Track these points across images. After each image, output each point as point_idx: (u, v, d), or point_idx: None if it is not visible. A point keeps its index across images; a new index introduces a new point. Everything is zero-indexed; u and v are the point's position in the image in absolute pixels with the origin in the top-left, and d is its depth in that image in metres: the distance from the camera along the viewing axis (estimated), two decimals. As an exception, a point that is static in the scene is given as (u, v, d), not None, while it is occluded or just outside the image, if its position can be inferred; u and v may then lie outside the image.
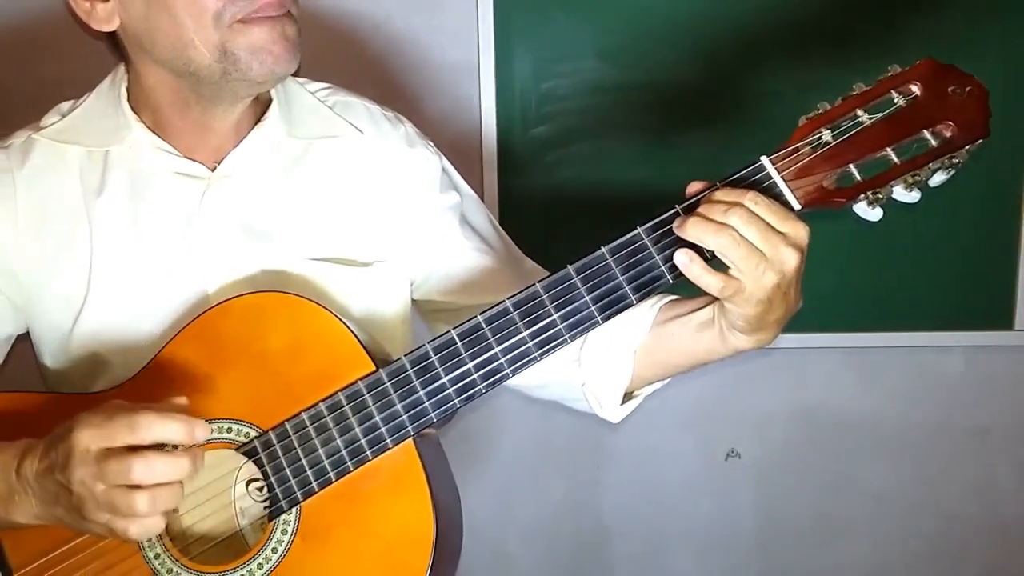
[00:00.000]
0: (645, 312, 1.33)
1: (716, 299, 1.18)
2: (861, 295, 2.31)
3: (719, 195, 1.10)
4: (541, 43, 2.17)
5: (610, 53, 2.17)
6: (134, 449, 1.09)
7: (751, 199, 1.08)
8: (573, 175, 2.23)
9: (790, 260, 1.09)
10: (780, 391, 2.43)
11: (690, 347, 1.28)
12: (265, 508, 1.24)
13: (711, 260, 1.11)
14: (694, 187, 1.14)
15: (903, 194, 1.10)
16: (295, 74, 1.43)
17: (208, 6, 1.21)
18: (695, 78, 2.16)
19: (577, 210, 2.23)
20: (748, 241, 1.08)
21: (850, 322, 2.34)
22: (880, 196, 1.10)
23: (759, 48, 2.14)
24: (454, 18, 2.18)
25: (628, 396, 1.38)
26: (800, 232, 1.09)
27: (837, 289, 2.29)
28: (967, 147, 1.08)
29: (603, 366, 1.35)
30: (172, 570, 1.23)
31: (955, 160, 1.09)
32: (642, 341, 1.33)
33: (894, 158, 1.09)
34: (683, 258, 1.11)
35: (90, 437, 1.09)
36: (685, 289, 1.19)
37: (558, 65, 2.18)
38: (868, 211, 1.11)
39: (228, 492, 1.28)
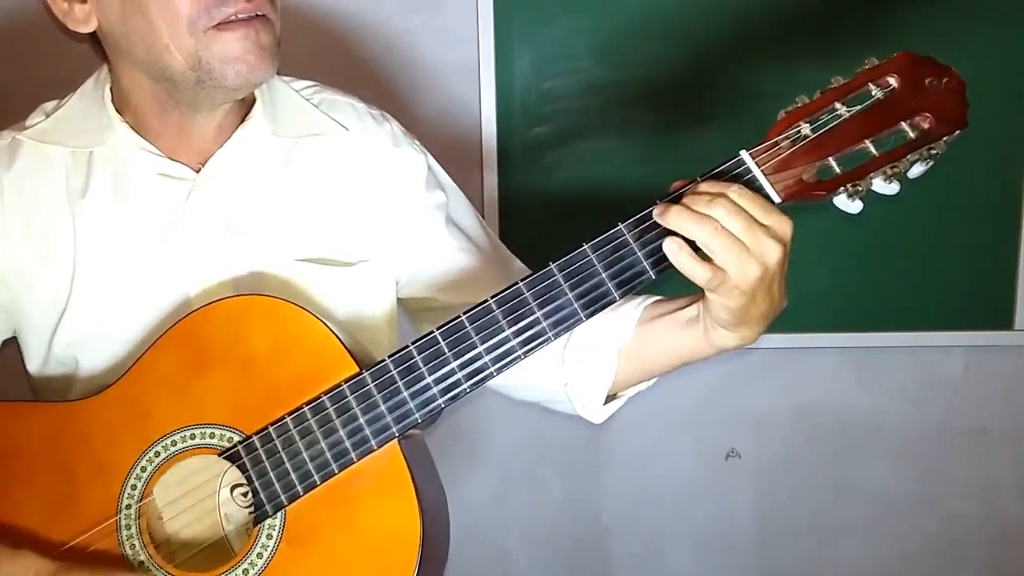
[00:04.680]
0: (630, 311, 1.32)
1: (700, 297, 1.17)
2: (861, 295, 2.30)
3: (703, 187, 1.10)
4: (541, 43, 2.17)
5: (610, 53, 2.17)
6: None
7: (735, 191, 1.08)
8: (573, 175, 2.23)
9: (772, 253, 1.08)
10: (780, 391, 2.42)
11: (674, 345, 1.27)
12: (250, 513, 1.24)
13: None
14: (677, 185, 1.14)
15: (882, 186, 1.10)
16: (278, 72, 1.43)
17: (182, 12, 1.20)
18: (696, 77, 2.16)
19: (577, 209, 2.22)
20: (730, 232, 1.07)
21: (850, 322, 2.33)
22: (860, 188, 1.09)
23: (761, 47, 2.13)
24: (454, 18, 2.18)
25: (612, 397, 1.37)
26: (783, 226, 1.09)
27: (837, 289, 2.29)
28: (945, 138, 1.08)
29: (586, 365, 1.34)
30: (157, 576, 1.23)
31: (933, 151, 1.08)
32: (626, 340, 1.32)
33: (873, 150, 1.09)
34: (672, 246, 1.09)
35: None
36: (666, 287, 1.18)
37: (558, 65, 2.18)
38: (848, 203, 1.10)
39: (212, 498, 1.27)
